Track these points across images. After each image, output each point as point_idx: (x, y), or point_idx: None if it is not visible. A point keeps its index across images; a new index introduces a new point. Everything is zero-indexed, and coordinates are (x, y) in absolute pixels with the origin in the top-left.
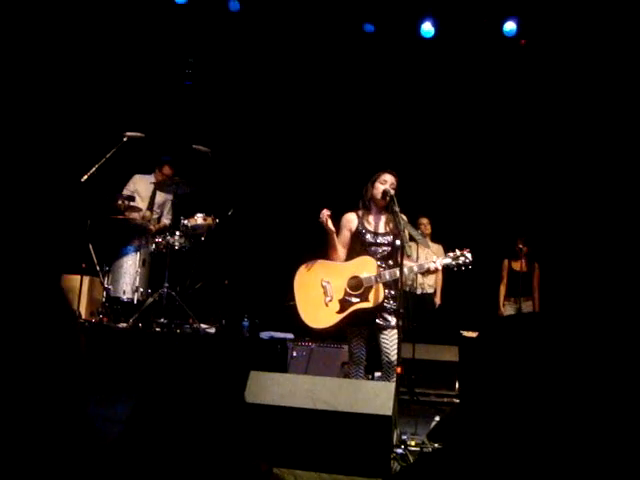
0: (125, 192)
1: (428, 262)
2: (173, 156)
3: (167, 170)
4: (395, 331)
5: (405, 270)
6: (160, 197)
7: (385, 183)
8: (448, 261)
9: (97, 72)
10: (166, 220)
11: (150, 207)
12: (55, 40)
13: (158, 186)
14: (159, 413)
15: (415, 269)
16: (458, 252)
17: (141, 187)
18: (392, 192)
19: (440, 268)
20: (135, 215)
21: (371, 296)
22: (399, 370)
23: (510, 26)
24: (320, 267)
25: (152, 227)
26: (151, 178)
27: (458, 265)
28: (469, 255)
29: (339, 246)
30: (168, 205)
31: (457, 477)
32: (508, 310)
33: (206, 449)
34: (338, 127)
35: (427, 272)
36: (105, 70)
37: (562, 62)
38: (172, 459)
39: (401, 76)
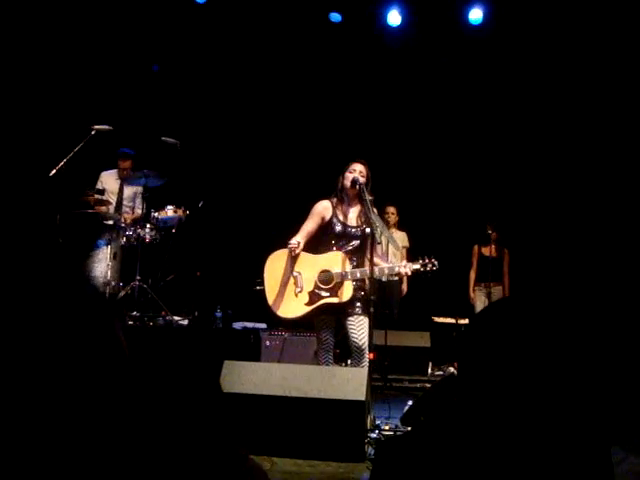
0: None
1: (399, 266)
2: (134, 148)
3: (121, 163)
4: (362, 317)
5: (376, 270)
6: (129, 190)
7: (354, 172)
8: (417, 267)
9: (63, 64)
10: (139, 210)
11: (119, 202)
12: (19, 31)
13: (125, 180)
14: (136, 404)
15: (386, 271)
16: (427, 260)
17: (109, 184)
18: (362, 180)
19: (410, 273)
20: (104, 209)
21: (340, 292)
22: (371, 356)
23: (476, 14)
24: (292, 257)
25: (126, 218)
26: (115, 173)
27: (425, 272)
28: (436, 262)
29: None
30: (139, 197)
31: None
32: (478, 295)
33: (184, 437)
34: (308, 117)
35: (397, 275)
36: (72, 62)
37: (529, 49)
38: (150, 448)
39: (368, 65)
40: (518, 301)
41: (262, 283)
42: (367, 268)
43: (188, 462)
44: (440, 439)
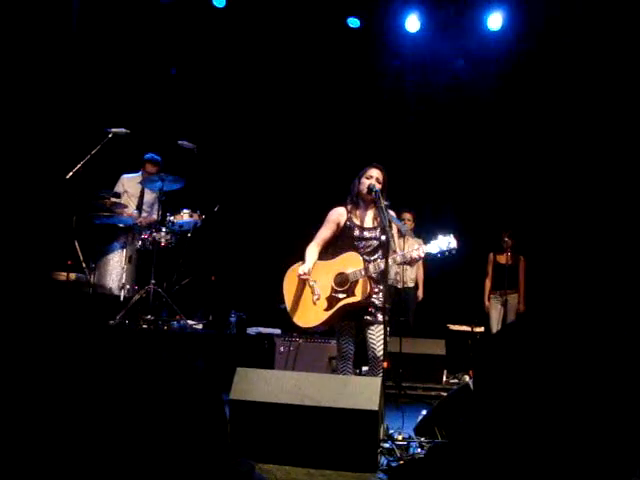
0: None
1: (410, 250)
2: (157, 152)
3: (149, 168)
4: (381, 327)
5: (389, 261)
6: (149, 196)
7: (371, 178)
8: (431, 247)
9: (82, 68)
10: (154, 215)
11: (139, 206)
12: (37, 36)
13: (144, 183)
14: (144, 410)
15: (398, 259)
16: (441, 237)
17: (130, 187)
18: (378, 187)
19: (423, 256)
20: (121, 211)
21: (357, 290)
22: (385, 364)
23: (495, 19)
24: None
25: (141, 222)
26: (138, 177)
27: (442, 252)
28: (453, 240)
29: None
30: (156, 203)
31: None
32: (494, 303)
33: (187, 445)
34: (324, 122)
35: (411, 261)
36: (90, 66)
37: (548, 57)
38: (155, 455)
39: (384, 71)
40: (537, 318)
41: (284, 301)
42: (381, 263)
43: (191, 472)
44: (457, 463)
